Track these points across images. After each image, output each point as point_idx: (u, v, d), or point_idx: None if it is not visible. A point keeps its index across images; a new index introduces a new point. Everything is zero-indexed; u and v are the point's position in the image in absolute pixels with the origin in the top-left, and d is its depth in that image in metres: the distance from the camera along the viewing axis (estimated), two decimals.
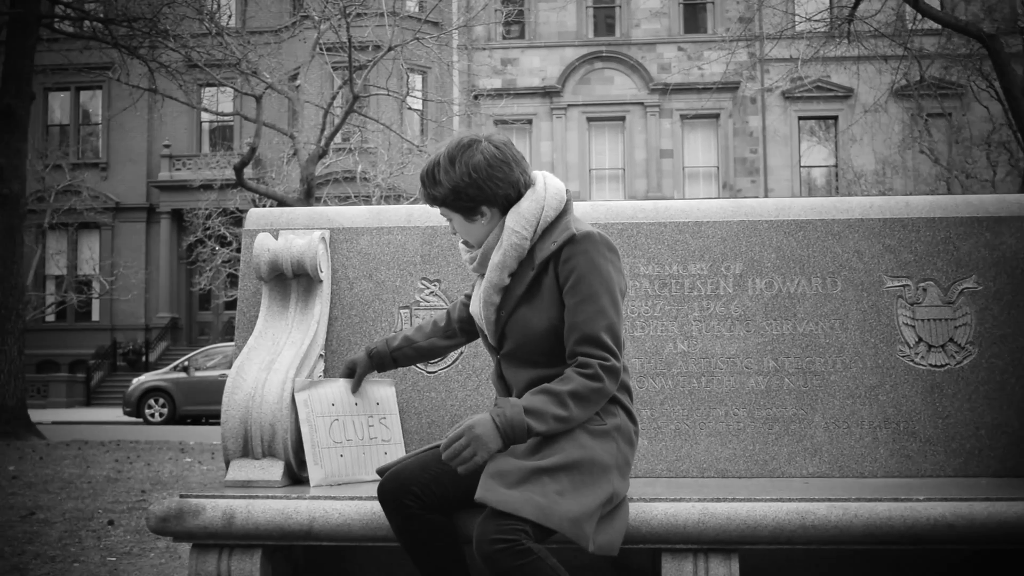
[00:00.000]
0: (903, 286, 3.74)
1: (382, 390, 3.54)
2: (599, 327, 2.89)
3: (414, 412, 3.75)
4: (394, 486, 2.93)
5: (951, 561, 3.44)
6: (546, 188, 3.03)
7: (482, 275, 3.12)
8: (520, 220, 2.99)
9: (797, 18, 21.99)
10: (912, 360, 3.71)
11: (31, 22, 17.82)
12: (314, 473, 3.29)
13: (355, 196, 28.83)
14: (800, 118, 36.12)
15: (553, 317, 2.96)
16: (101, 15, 20.85)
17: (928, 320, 3.71)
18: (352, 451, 3.33)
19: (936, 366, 3.71)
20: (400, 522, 2.93)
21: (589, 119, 36.88)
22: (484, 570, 2.70)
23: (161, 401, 25.70)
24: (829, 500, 3.00)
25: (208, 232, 31.53)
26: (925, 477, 3.64)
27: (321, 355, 3.71)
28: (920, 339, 3.71)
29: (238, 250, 30.69)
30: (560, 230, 2.98)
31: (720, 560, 3.00)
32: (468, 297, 3.35)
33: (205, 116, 37.94)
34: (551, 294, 2.97)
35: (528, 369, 3.01)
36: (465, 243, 3.18)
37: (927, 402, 3.69)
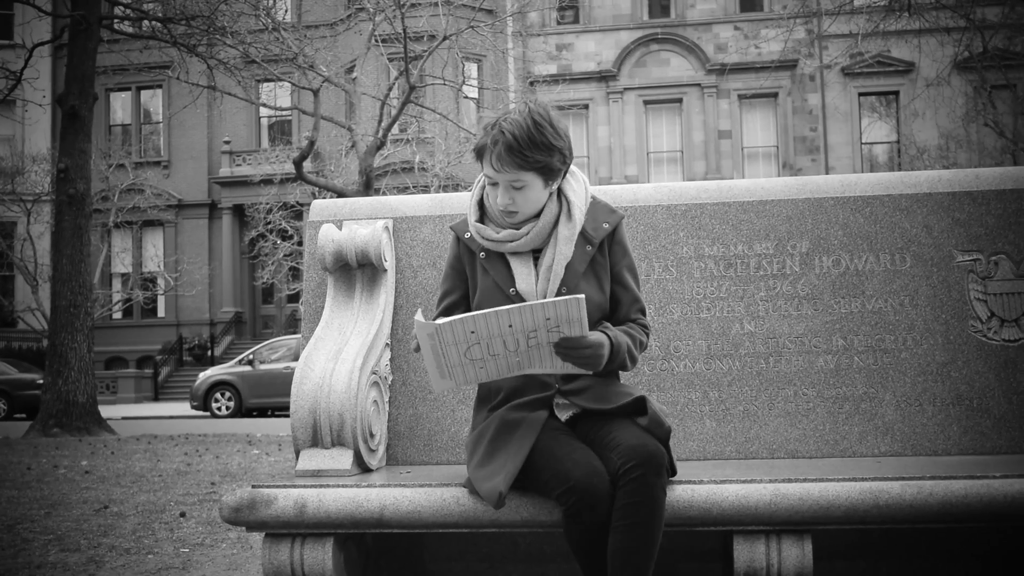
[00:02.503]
0: (974, 260, 3.67)
1: (558, 308, 2.86)
2: (643, 298, 3.26)
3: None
4: (605, 483, 2.84)
5: None
6: (576, 173, 3.21)
7: (517, 253, 3.14)
8: (578, 198, 3.15)
9: None
10: (984, 335, 3.65)
11: (92, 24, 18.06)
12: (439, 383, 2.95)
13: (414, 186, 28.95)
14: (860, 94, 35.66)
15: (607, 292, 3.17)
16: (160, 15, 21.08)
17: (1000, 294, 3.64)
18: (499, 361, 2.94)
19: (1009, 341, 3.64)
20: (602, 519, 2.85)
21: (646, 102, 36.69)
22: (639, 482, 2.81)
23: (227, 395, 26.01)
24: (903, 479, 2.96)
25: (269, 226, 31.83)
26: (1000, 454, 3.57)
27: (387, 344, 3.72)
28: (992, 314, 3.65)
29: (300, 243, 30.95)
30: (606, 211, 3.20)
31: (793, 541, 2.97)
32: (454, 303, 3.25)
33: (264, 111, 38.32)
34: (604, 271, 3.17)
35: None
36: (481, 221, 3.18)
37: (1000, 378, 3.62)
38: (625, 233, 3.25)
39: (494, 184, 3.06)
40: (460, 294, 3.25)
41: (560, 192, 3.14)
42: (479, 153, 3.06)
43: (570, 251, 3.10)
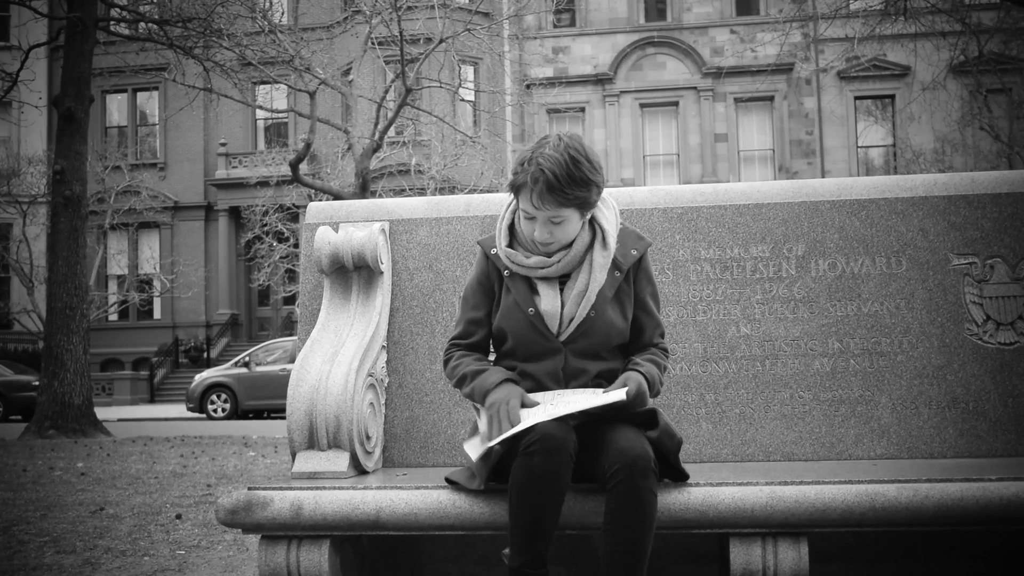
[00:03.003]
0: (970, 264, 3.68)
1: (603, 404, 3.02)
2: (663, 321, 3.32)
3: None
4: (570, 439, 2.88)
5: None
6: (607, 200, 3.25)
7: (547, 279, 3.18)
8: (611, 227, 3.20)
9: None
10: (980, 339, 3.65)
11: (88, 26, 18.04)
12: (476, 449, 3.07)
13: (410, 189, 28.92)
14: (856, 98, 35.68)
15: (629, 318, 3.23)
16: (156, 16, 21.06)
17: (996, 298, 3.65)
18: (537, 410, 2.99)
19: (1005, 344, 3.64)
20: (554, 468, 2.85)
21: (642, 105, 36.71)
22: (627, 484, 2.84)
23: (223, 396, 26.00)
24: (899, 481, 2.96)
25: (265, 228, 31.80)
26: (996, 457, 3.58)
27: (384, 346, 3.72)
28: (988, 317, 3.65)
29: (295, 246, 30.94)
30: (635, 238, 3.26)
31: (789, 544, 2.97)
32: (478, 320, 3.29)
33: (260, 114, 38.28)
34: (628, 297, 3.23)
35: (598, 362, 3.16)
36: (510, 247, 3.21)
37: (996, 381, 3.63)
38: (650, 260, 3.32)
39: (531, 218, 3.10)
40: (484, 311, 3.29)
41: (592, 219, 3.19)
42: (517, 189, 3.08)
43: (603, 278, 3.15)
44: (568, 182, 2.98)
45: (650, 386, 3.09)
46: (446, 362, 3.32)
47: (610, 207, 3.24)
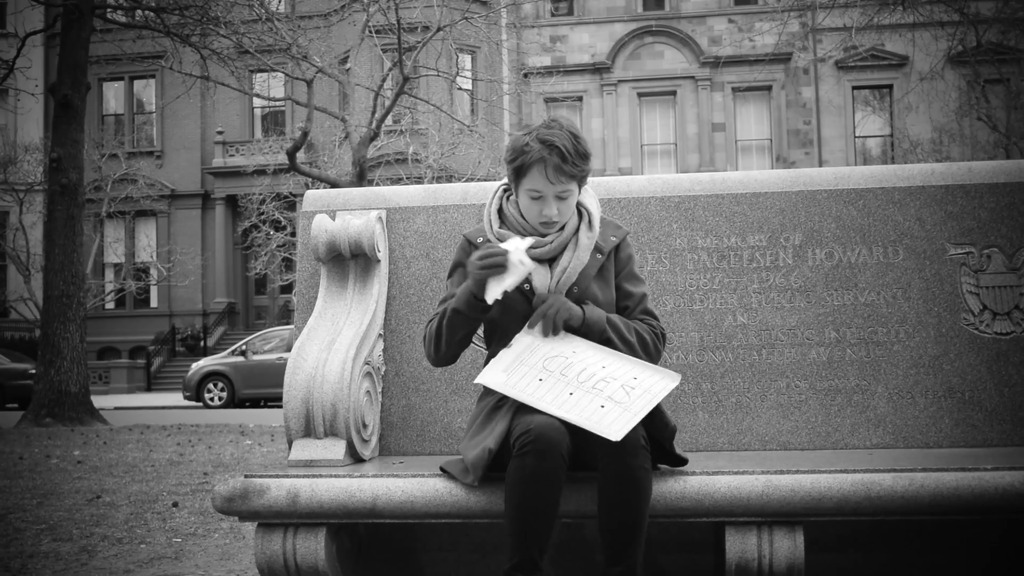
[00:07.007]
0: (966, 253, 3.68)
1: (650, 373, 3.05)
2: (650, 304, 3.33)
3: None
4: (564, 440, 2.90)
5: None
6: (587, 189, 3.32)
7: (540, 260, 3.20)
8: (596, 210, 3.29)
9: None
10: (977, 328, 3.65)
11: (85, 13, 17.99)
12: (493, 376, 3.06)
13: (407, 178, 28.87)
14: (854, 88, 35.65)
15: (612, 297, 3.28)
16: (153, 4, 21.00)
17: (993, 287, 3.65)
18: (557, 385, 3.00)
19: (1001, 334, 3.65)
20: (546, 469, 2.86)
21: (640, 94, 36.67)
22: (618, 464, 2.87)
23: (220, 385, 25.99)
24: (895, 471, 2.97)
25: (263, 217, 31.76)
26: (991, 447, 3.58)
27: (380, 334, 3.72)
28: (985, 307, 3.65)
29: (293, 234, 30.91)
30: (613, 227, 3.35)
31: (784, 533, 2.98)
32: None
33: (257, 102, 38.18)
34: (611, 277, 3.30)
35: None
36: (498, 232, 3.25)
37: (992, 371, 3.63)
38: (630, 245, 3.37)
39: (538, 197, 3.15)
40: None
41: (579, 203, 3.27)
42: (524, 169, 3.13)
43: (587, 257, 3.21)
44: (575, 155, 3.09)
45: (588, 317, 3.13)
46: (424, 337, 3.33)
47: (592, 195, 3.32)
